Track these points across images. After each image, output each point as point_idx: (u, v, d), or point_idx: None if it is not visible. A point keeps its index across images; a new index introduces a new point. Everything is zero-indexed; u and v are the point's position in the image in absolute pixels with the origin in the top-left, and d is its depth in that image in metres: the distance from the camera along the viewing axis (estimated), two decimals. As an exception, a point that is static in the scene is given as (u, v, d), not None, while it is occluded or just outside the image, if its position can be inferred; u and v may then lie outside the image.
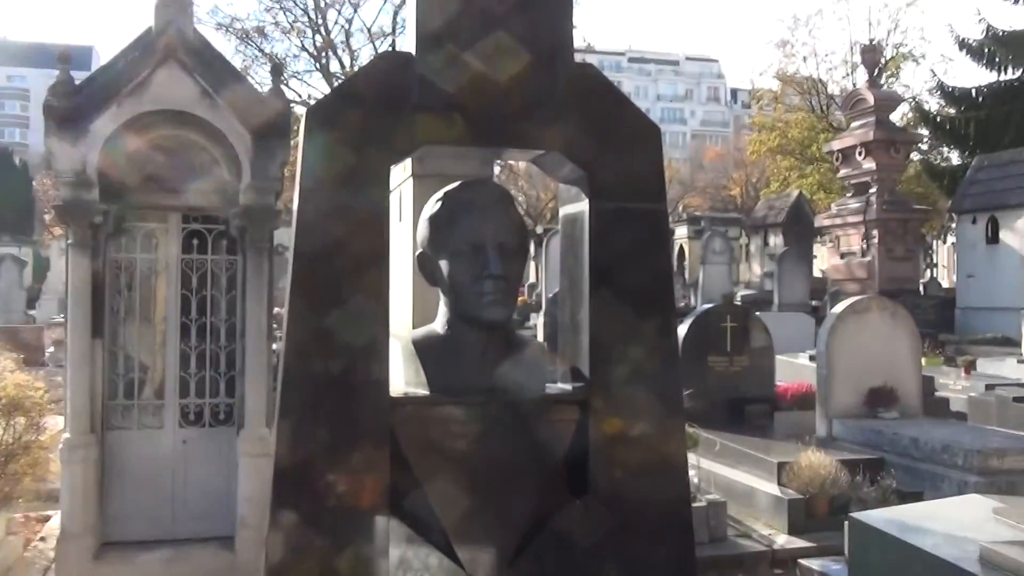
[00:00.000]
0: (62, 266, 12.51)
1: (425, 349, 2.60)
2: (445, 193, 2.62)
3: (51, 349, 13.86)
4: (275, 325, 6.26)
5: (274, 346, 6.51)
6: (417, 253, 2.66)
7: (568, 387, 2.73)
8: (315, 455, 2.42)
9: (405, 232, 5.96)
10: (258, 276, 6.07)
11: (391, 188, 2.62)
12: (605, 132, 2.67)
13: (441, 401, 2.54)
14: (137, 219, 6.12)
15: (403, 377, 2.66)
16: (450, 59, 2.52)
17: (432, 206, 2.62)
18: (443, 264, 2.56)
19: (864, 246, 18.10)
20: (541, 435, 2.58)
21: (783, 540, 6.51)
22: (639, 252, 2.68)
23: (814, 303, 19.54)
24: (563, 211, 2.86)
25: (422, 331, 2.69)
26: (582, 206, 2.70)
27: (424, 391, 2.57)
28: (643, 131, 2.73)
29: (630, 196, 2.68)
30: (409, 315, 5.87)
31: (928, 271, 30.21)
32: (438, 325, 2.63)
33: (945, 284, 26.50)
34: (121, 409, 6.08)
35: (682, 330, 8.74)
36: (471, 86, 2.54)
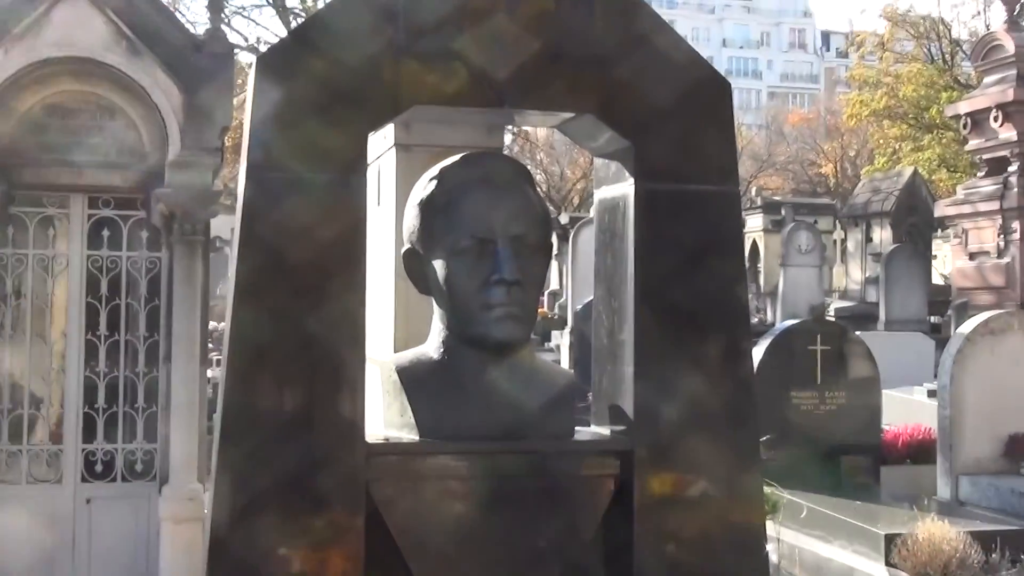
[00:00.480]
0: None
1: (413, 380, 2.60)
2: (441, 170, 2.63)
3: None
4: (211, 345, 6.27)
5: (210, 373, 6.53)
6: (403, 250, 2.66)
7: (605, 431, 2.72)
8: (264, 521, 2.41)
9: (386, 220, 5.96)
10: (189, 279, 6.08)
11: (368, 162, 2.62)
12: (657, 89, 2.65)
13: (435, 450, 2.53)
14: (29, 203, 6.11)
15: (383, 417, 2.65)
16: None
17: (424, 187, 2.63)
18: (438, 265, 2.57)
19: (1002, 243, 17.96)
20: (569, 496, 2.58)
21: (893, 640, 6.46)
22: (701, 250, 2.68)
23: (934, 319, 19.40)
24: (599, 195, 2.85)
25: (409, 355, 2.68)
26: (625, 188, 2.70)
27: (412, 436, 2.57)
28: (707, 87, 2.72)
29: (689, 175, 2.68)
30: (391, 332, 5.86)
31: (1089, 276, 30.06)
32: (431, 347, 2.64)
33: (1113, 294, 26.36)
34: (5, 457, 6.10)
35: (757, 355, 8.70)
36: (478, 27, 2.53)
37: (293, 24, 27.10)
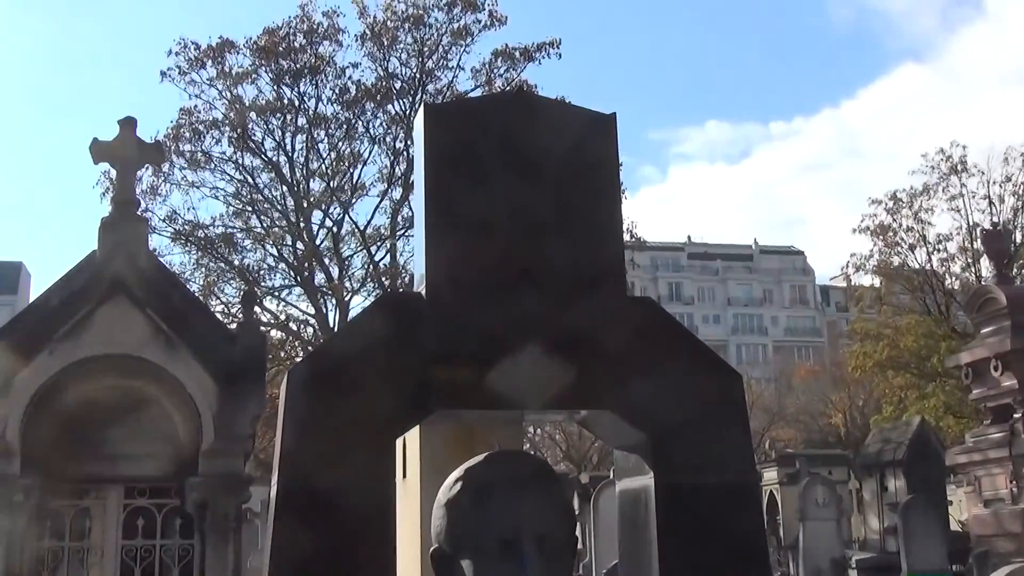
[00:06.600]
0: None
1: None
2: (466, 470, 1.41)
3: None
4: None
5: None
6: (431, 549, 1.40)
7: None
8: None
9: (410, 496, 2.58)
10: (221, 565, 2.83)
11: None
12: (671, 384, 1.53)
13: None
14: (67, 495, 3.05)
15: None
16: (474, 298, 1.47)
17: (449, 489, 1.40)
18: (466, 566, 1.34)
19: (1015, 489, 10.95)
20: None
21: None
22: (724, 537, 1.46)
23: (955, 568, 11.34)
24: (620, 486, 1.73)
25: None
26: (645, 480, 1.57)
27: None
28: (720, 379, 1.57)
29: (709, 467, 1.51)
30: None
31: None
32: None
33: None
34: None
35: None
36: (502, 331, 1.47)
37: (320, 301, 16.86)
